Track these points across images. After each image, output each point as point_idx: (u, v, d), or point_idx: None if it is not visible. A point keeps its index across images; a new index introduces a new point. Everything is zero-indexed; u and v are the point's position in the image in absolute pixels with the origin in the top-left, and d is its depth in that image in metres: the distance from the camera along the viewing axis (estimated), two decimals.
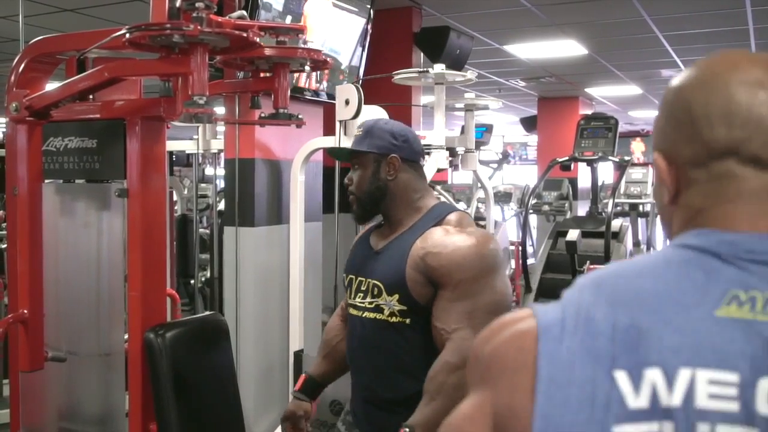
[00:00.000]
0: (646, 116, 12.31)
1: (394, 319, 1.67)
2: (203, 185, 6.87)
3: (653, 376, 0.66)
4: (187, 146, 3.83)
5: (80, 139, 2.01)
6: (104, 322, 2.01)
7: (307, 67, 2.04)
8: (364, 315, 1.73)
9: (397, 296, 1.66)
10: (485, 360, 0.76)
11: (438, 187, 6.03)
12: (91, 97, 2.05)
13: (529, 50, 6.56)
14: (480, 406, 0.75)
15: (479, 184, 7.26)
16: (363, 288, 1.75)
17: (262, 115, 2.02)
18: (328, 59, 2.00)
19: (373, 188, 1.80)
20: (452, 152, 3.31)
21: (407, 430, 1.57)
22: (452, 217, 1.75)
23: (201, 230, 5.55)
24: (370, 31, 4.03)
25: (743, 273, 0.68)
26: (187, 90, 1.65)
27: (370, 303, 1.71)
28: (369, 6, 4.00)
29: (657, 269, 0.72)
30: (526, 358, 0.71)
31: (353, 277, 1.80)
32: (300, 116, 2.02)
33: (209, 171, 7.18)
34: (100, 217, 2.02)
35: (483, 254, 1.66)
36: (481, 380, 0.76)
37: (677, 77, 0.78)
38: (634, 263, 0.76)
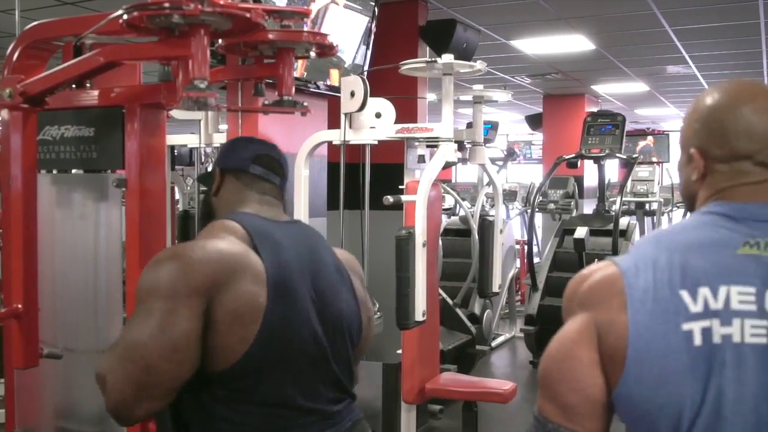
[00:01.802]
0: (653, 114, 12.23)
1: None
2: None
3: (704, 292, 1.05)
4: (189, 140, 3.75)
5: (77, 127, 1.94)
6: (102, 318, 1.94)
7: (312, 53, 1.96)
8: None
9: None
10: (582, 294, 1.13)
11: (443, 185, 5.96)
12: (88, 84, 1.98)
13: (536, 45, 6.48)
14: (584, 322, 1.11)
15: (485, 182, 7.19)
16: None
17: (266, 102, 1.95)
18: (335, 44, 1.93)
19: (203, 207, 1.71)
20: (460, 146, 3.23)
21: None
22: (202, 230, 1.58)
23: None
24: (374, 29, 3.96)
25: (750, 228, 1.09)
26: (188, 74, 1.57)
27: None
28: (373, 3, 3.93)
29: (695, 228, 1.13)
30: (616, 288, 1.09)
31: None
32: (305, 104, 1.95)
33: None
34: (98, 209, 1.95)
35: (145, 269, 1.45)
36: (581, 307, 1.13)
37: (709, 97, 1.17)
38: (678, 225, 1.19)
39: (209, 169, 6.35)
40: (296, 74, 3.46)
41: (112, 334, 1.94)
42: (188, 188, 5.06)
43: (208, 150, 6.54)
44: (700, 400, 1.03)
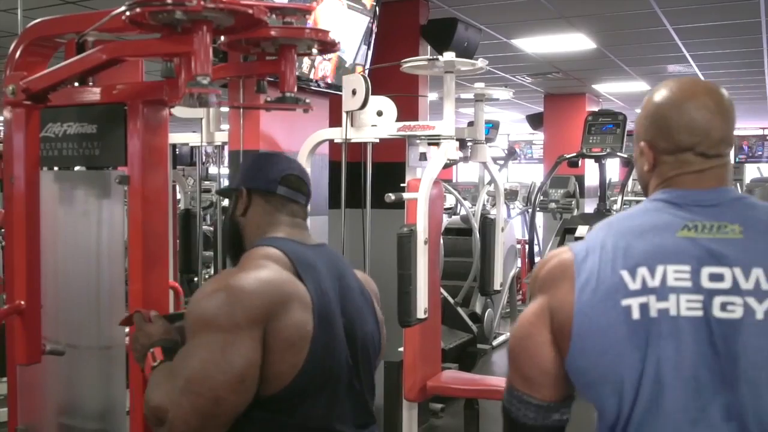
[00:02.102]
0: None
1: None
2: (207, 183, 6.82)
3: (642, 271, 1.18)
4: (191, 139, 3.76)
5: (80, 124, 1.94)
6: (104, 314, 1.94)
7: (314, 50, 1.96)
8: None
9: None
10: (541, 279, 1.30)
11: (445, 185, 5.97)
12: (90, 82, 1.99)
13: (537, 44, 6.48)
14: (540, 305, 1.28)
15: (486, 181, 7.19)
16: None
17: (268, 99, 1.95)
18: (337, 42, 1.93)
19: (229, 227, 1.72)
20: (461, 144, 3.24)
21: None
22: (244, 256, 1.60)
23: (205, 227, 5.51)
24: (375, 30, 3.95)
25: (691, 213, 1.23)
26: (191, 70, 1.57)
27: None
28: (374, 3, 3.92)
29: (641, 214, 1.29)
30: (567, 273, 1.25)
31: None
32: (307, 101, 1.95)
33: (213, 170, 7.14)
34: (100, 206, 1.95)
35: (198, 300, 1.47)
36: (539, 291, 1.30)
37: (656, 95, 1.32)
38: (627, 212, 1.32)
39: (210, 169, 6.30)
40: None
41: (114, 331, 1.94)
42: (189, 187, 5.06)
43: (210, 149, 6.58)
44: (640, 369, 1.16)
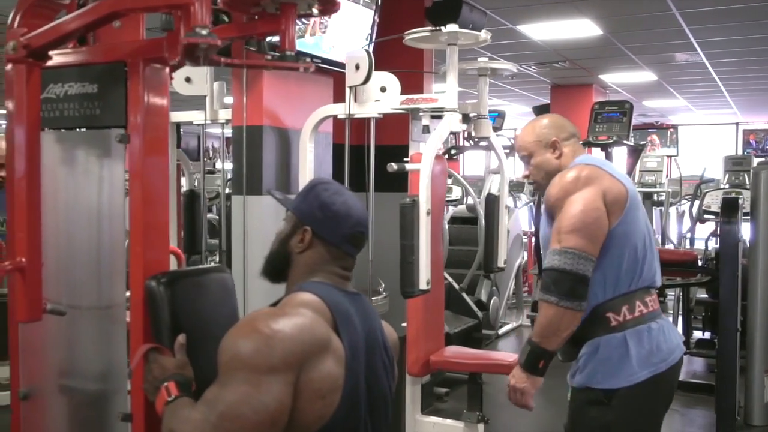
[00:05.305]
0: (662, 106, 12.17)
1: None
2: (215, 175, 6.83)
3: (629, 177, 2.47)
4: (194, 117, 3.75)
5: (81, 84, 1.93)
6: (105, 274, 1.93)
7: (314, 10, 1.95)
8: None
9: None
10: (585, 177, 2.16)
11: (454, 173, 5.95)
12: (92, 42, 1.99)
13: (543, 30, 6.46)
14: (594, 191, 2.12)
15: (491, 168, 7.16)
16: None
17: (268, 58, 1.95)
18: (337, 1, 1.92)
19: (280, 251, 1.71)
20: (465, 118, 3.22)
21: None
22: (285, 299, 1.63)
23: (210, 216, 5.53)
24: (377, 20, 3.92)
25: (608, 167, 2.36)
26: (189, 22, 1.56)
27: None
28: None
29: (597, 158, 2.59)
30: (600, 172, 2.20)
31: None
32: (308, 60, 1.94)
33: (218, 165, 7.13)
34: (101, 165, 1.94)
35: (235, 338, 1.48)
36: (586, 184, 2.13)
37: (541, 119, 2.45)
38: (587, 155, 2.44)
39: (217, 164, 6.29)
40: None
41: (114, 291, 1.94)
42: (192, 169, 5.07)
43: (216, 144, 6.51)
44: (644, 226, 2.19)
